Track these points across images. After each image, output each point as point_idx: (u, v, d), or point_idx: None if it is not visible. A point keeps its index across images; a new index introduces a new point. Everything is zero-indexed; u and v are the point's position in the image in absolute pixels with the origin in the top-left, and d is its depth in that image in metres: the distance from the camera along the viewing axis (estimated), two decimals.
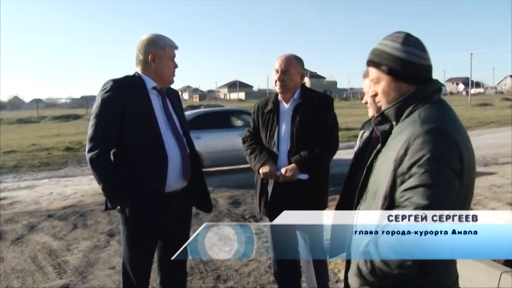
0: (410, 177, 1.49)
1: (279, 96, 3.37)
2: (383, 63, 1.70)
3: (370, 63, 1.76)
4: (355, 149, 2.81)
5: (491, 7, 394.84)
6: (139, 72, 2.93)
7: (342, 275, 4.40)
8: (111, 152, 2.84)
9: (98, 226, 6.48)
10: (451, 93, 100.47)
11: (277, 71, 3.28)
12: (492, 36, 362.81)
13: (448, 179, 1.45)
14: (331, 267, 4.58)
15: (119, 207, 2.86)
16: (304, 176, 3.20)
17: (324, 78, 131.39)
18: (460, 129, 1.58)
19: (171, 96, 3.08)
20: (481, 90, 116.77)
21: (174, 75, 3.01)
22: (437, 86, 1.71)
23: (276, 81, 3.29)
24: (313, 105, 3.28)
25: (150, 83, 2.90)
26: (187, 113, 9.35)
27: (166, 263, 3.06)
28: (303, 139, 3.22)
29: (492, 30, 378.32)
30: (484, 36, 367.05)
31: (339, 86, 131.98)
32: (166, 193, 2.84)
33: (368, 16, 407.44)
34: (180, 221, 3.08)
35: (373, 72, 1.74)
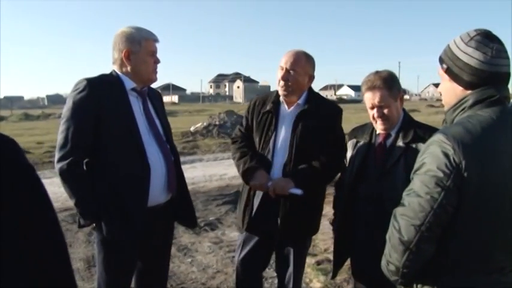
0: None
1: (281, 97, 2.94)
2: (445, 61, 1.62)
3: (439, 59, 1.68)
4: (349, 156, 2.71)
5: (417, 17, 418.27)
6: (117, 71, 2.62)
7: (313, 285, 4.30)
8: (84, 162, 2.50)
9: None
10: None
11: (282, 69, 2.84)
12: (417, 45, 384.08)
13: (432, 191, 1.49)
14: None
15: (94, 224, 2.51)
16: (298, 191, 2.72)
17: (257, 82, 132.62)
18: (481, 142, 1.48)
19: (153, 98, 2.76)
20: (407, 97, 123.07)
21: (155, 72, 2.66)
22: (487, 94, 1.56)
23: (279, 81, 2.85)
24: (320, 114, 2.85)
25: (128, 84, 2.58)
26: None
27: (145, 286, 2.76)
28: (303, 152, 2.79)
29: (418, 39, 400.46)
30: (411, 46, 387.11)
31: (272, 90, 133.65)
32: (148, 208, 2.52)
33: (299, 23, 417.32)
34: (162, 238, 2.76)
35: (439, 68, 1.68)
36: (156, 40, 2.64)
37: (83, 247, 5.50)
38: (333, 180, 3.06)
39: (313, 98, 2.94)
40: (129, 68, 2.58)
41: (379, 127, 2.55)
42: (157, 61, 2.65)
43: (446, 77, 1.64)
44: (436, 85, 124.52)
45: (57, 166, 2.44)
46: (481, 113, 1.55)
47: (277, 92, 2.97)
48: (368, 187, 2.52)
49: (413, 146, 2.44)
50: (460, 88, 1.60)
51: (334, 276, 2.86)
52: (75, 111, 2.44)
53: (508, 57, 1.58)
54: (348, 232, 2.65)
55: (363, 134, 2.69)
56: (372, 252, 2.54)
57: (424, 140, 2.43)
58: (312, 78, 2.94)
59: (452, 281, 1.57)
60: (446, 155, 1.48)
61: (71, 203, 7.53)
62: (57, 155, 2.46)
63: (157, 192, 2.56)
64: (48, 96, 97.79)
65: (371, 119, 2.58)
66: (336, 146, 2.89)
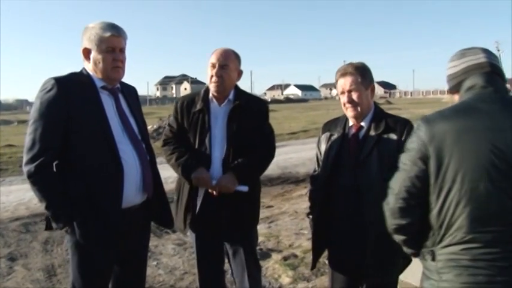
0: None
1: (210, 95, 3.00)
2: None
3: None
4: (323, 150, 2.76)
5: (360, 16, 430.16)
6: (86, 69, 2.53)
7: (282, 280, 4.34)
8: (54, 164, 2.40)
9: None
10: (326, 98, 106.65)
11: (213, 66, 2.90)
12: (362, 44, 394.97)
13: (405, 164, 1.82)
14: (269, 273, 4.49)
15: (66, 227, 2.40)
16: (244, 188, 2.85)
17: (204, 83, 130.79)
18: (449, 122, 1.74)
19: (127, 96, 2.67)
20: None
21: (115, 69, 2.49)
22: (467, 85, 1.87)
23: (211, 77, 2.91)
24: (250, 109, 2.99)
25: (99, 82, 2.50)
26: None
27: None
28: (240, 145, 2.89)
29: (361, 38, 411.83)
30: (358, 45, 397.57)
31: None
32: (123, 209, 2.45)
33: (245, 24, 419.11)
34: (138, 241, 2.68)
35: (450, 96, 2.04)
36: (116, 35, 2.48)
37: (40, 256, 5.28)
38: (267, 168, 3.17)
39: (241, 93, 3.07)
40: (90, 66, 2.50)
41: (349, 113, 2.63)
42: (117, 58, 2.49)
43: (453, 96, 1.98)
44: (380, 83, 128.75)
45: (25, 169, 2.34)
46: (462, 99, 1.85)
47: (205, 90, 3.05)
48: (344, 178, 2.58)
49: (385, 136, 2.53)
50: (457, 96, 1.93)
51: (313, 268, 2.90)
52: (43, 111, 2.34)
53: (477, 53, 1.88)
54: (326, 223, 2.69)
55: (336, 127, 2.75)
56: (350, 242, 2.61)
57: (395, 131, 2.52)
58: (240, 73, 3.07)
59: (442, 252, 1.76)
60: (418, 135, 1.78)
61: (21, 211, 7.24)
62: (25, 158, 2.36)
63: (132, 193, 2.49)
64: None
65: (342, 106, 2.66)
66: (268, 138, 3.09)
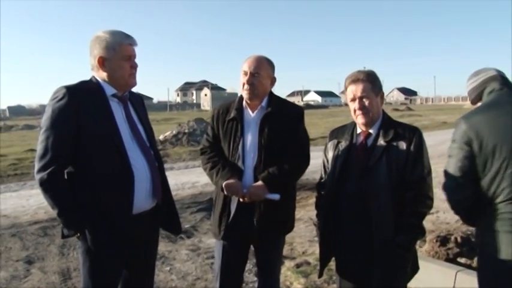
0: None
1: (243, 103, 3.02)
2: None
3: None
4: (330, 157, 2.76)
5: (381, 22, 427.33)
6: (96, 77, 2.57)
7: (294, 287, 4.31)
8: (66, 172, 2.45)
9: (10, 253, 5.70)
10: (346, 104, 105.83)
11: (245, 73, 2.92)
12: (382, 50, 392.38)
13: (454, 151, 2.34)
14: (281, 280, 4.45)
15: (78, 234, 2.44)
16: (276, 196, 2.84)
17: (224, 90, 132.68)
18: (477, 116, 2.32)
19: (135, 103, 2.71)
20: None
21: (132, 77, 2.57)
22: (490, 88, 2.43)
23: (243, 84, 2.93)
24: (283, 115, 2.95)
25: (109, 90, 2.53)
26: None
27: None
28: (271, 153, 2.88)
29: (382, 44, 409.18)
30: (378, 51, 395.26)
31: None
32: (133, 215, 2.48)
33: (265, 30, 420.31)
34: (147, 246, 2.71)
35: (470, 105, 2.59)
36: (132, 44, 2.56)
37: (56, 260, 5.37)
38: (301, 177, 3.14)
39: (275, 100, 3.05)
40: (105, 75, 2.54)
41: (359, 121, 2.62)
42: (134, 65, 2.57)
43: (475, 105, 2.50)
44: (400, 89, 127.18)
45: (38, 176, 2.38)
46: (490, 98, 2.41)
47: (239, 98, 3.07)
48: (351, 185, 2.57)
49: (394, 144, 2.52)
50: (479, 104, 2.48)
51: (320, 276, 2.89)
52: (54, 120, 2.38)
53: (488, 70, 2.51)
54: (332, 231, 2.68)
55: (344, 134, 2.74)
56: (357, 250, 2.59)
57: (404, 139, 2.50)
58: (274, 80, 3.06)
59: (488, 219, 2.27)
60: (459, 127, 2.32)
61: (40, 215, 7.36)
62: (37, 166, 2.40)
63: (142, 199, 2.52)
64: (9, 108, 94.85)
65: (352, 113, 2.65)
66: (301, 145, 3.01)
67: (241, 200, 2.88)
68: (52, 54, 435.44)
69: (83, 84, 2.55)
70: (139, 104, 2.79)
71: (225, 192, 2.90)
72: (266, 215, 2.88)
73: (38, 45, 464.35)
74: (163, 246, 5.64)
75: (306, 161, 3.01)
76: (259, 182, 2.85)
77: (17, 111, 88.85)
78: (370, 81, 2.59)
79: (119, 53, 2.50)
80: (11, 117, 71.51)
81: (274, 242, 3.06)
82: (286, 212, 3.04)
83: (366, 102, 2.57)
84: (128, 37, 2.54)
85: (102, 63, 2.52)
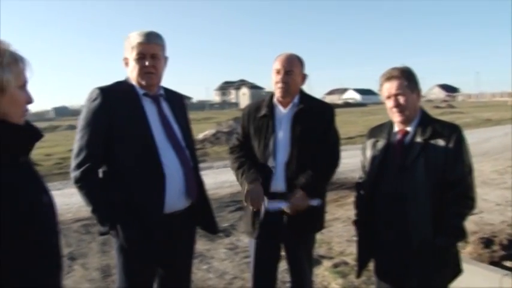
0: None
1: (274, 99, 3.03)
2: None
3: None
4: (369, 156, 2.71)
5: (420, 19, 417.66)
6: (129, 77, 2.62)
7: (332, 287, 4.26)
8: (101, 171, 2.51)
9: None
10: None
11: (278, 72, 2.93)
12: (421, 46, 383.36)
13: None
14: (319, 280, 4.42)
15: (111, 231, 2.49)
16: (317, 202, 2.86)
17: (263, 88, 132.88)
18: None
19: (173, 102, 2.72)
20: None
21: (143, 76, 2.53)
22: None
23: (277, 83, 2.93)
24: (315, 113, 2.96)
25: (140, 90, 2.57)
26: None
27: None
28: (304, 149, 2.88)
29: (420, 41, 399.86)
30: (416, 48, 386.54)
31: None
32: (166, 214, 2.50)
33: (303, 29, 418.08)
34: (183, 245, 2.73)
35: None
36: (145, 42, 2.50)
37: (97, 257, 5.49)
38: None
39: (306, 97, 3.05)
40: (130, 75, 2.60)
41: (396, 118, 2.56)
42: (144, 65, 2.51)
43: None
44: (441, 86, 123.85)
45: (72, 174, 2.45)
46: None
47: (270, 96, 3.08)
48: (388, 185, 2.51)
49: (433, 142, 2.44)
50: None
51: (358, 276, 2.83)
52: (89, 120, 2.45)
53: None
54: (370, 232, 2.63)
55: (381, 133, 2.68)
56: (395, 252, 2.53)
57: (442, 137, 2.42)
58: (304, 77, 3.06)
59: None
60: None
61: (82, 213, 7.53)
62: (72, 164, 2.47)
63: (175, 199, 2.53)
64: (55, 109, 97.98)
65: (388, 111, 2.60)
66: (332, 146, 3.00)
67: (287, 211, 2.86)
68: (97, 54, 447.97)
69: (116, 85, 2.60)
70: (178, 103, 2.80)
71: (244, 201, 2.90)
72: (298, 215, 2.86)
73: (86, 47, 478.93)
74: (201, 245, 5.68)
75: (337, 160, 3.02)
76: (298, 191, 2.83)
77: (61, 112, 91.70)
78: (405, 77, 2.52)
79: (132, 52, 2.53)
80: (57, 118, 73.91)
81: (304, 240, 3.05)
82: (316, 210, 3.00)
83: (402, 100, 2.51)
84: (142, 36, 2.52)
85: (126, 63, 2.59)
